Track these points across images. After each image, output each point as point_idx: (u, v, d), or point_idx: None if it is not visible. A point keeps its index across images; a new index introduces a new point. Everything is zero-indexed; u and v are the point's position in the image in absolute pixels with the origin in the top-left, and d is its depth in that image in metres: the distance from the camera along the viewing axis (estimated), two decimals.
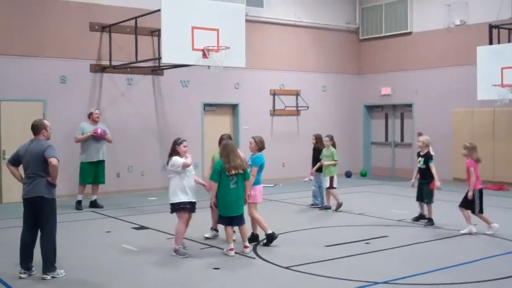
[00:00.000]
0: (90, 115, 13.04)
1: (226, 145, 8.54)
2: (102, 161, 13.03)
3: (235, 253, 8.41)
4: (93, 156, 12.79)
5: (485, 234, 9.77)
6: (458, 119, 17.03)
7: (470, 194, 9.82)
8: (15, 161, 7.55)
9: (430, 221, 10.66)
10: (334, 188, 12.34)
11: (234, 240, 8.66)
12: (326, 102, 19.24)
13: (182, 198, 8.36)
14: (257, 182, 9.04)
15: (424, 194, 10.75)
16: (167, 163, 8.50)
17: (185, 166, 8.31)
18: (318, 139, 12.97)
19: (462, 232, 9.85)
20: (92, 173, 12.85)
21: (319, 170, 12.67)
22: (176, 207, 8.43)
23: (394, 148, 19.48)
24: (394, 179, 18.58)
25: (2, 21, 13.51)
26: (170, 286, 7.05)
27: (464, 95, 16.72)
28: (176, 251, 8.43)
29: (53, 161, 7.20)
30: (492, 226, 9.86)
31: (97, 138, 12.76)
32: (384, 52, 19.34)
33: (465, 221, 9.96)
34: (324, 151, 12.49)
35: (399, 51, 18.89)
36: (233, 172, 8.28)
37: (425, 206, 10.85)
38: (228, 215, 8.42)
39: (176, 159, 8.39)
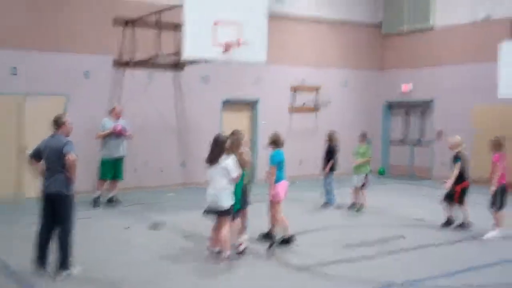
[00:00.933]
0: (112, 111, 13.15)
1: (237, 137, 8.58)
2: (122, 158, 13.13)
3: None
4: (113, 152, 12.89)
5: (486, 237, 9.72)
6: (479, 117, 16.84)
7: (492, 189, 9.76)
8: (36, 155, 7.62)
9: (462, 225, 10.37)
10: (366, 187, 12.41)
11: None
12: (346, 99, 19.17)
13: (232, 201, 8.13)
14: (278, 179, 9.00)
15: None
16: (216, 161, 8.03)
17: (235, 181, 8.10)
18: (330, 136, 12.96)
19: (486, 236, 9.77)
20: (112, 169, 12.95)
21: (331, 169, 12.72)
22: (232, 211, 8.11)
23: (413, 147, 19.36)
24: (413, 178, 18.48)
25: (27, 16, 13.61)
26: (186, 284, 7.10)
27: (486, 92, 16.50)
28: (228, 256, 8.10)
29: (71, 157, 7.26)
30: (497, 230, 9.76)
31: (117, 134, 12.88)
32: (406, 48, 19.19)
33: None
34: (358, 149, 12.49)
35: (421, 46, 18.72)
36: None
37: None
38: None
39: (236, 166, 8.04)
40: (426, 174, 18.58)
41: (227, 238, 8.04)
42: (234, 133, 8.66)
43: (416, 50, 18.87)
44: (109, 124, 12.90)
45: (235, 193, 8.18)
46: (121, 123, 13.05)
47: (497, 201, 9.78)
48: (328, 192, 12.93)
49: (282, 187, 9.02)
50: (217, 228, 8.14)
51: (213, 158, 8.00)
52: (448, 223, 10.46)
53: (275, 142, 9.23)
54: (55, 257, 7.42)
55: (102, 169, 12.90)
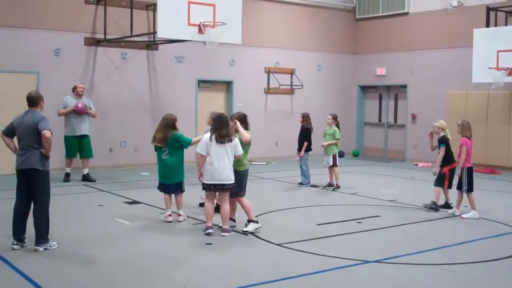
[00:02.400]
0: (74, 89, 13.01)
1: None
2: (86, 136, 13.04)
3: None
4: (75, 130, 12.84)
5: (451, 213, 9.92)
6: (453, 101, 17.00)
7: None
8: (9, 132, 7.51)
9: (434, 205, 10.32)
10: (337, 166, 12.45)
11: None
12: (321, 81, 19.21)
13: None
14: None
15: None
16: (230, 140, 8.17)
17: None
18: (305, 117, 12.99)
19: (464, 216, 9.86)
20: (76, 147, 12.90)
21: (306, 150, 12.79)
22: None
23: (387, 129, 19.50)
24: (386, 159, 18.65)
25: None
26: (161, 260, 7.07)
27: (459, 78, 16.70)
28: (228, 229, 8.37)
29: (46, 133, 7.18)
30: (454, 210, 9.95)
31: (78, 112, 12.75)
32: (380, 32, 19.27)
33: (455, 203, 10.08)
34: (327, 130, 12.58)
35: (395, 32, 18.82)
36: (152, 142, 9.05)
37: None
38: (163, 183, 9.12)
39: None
40: (399, 156, 18.76)
41: (228, 213, 8.34)
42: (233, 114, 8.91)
43: (390, 35, 18.96)
44: (70, 102, 12.84)
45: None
46: (84, 101, 12.96)
47: (465, 183, 9.87)
48: (302, 172, 12.99)
49: None
50: (223, 202, 8.37)
51: (226, 136, 8.18)
52: (446, 206, 10.33)
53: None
54: (33, 232, 7.37)
55: (66, 147, 12.89)
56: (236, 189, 8.42)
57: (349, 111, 19.80)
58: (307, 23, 18.80)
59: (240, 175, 8.45)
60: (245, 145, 8.49)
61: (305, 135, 12.89)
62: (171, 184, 9.11)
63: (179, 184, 9.15)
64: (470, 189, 9.90)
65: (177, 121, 9.18)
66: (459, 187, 9.96)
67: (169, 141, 8.90)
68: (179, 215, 9.11)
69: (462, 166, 9.87)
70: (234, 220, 8.73)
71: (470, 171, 9.90)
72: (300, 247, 7.68)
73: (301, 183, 12.98)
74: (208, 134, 8.29)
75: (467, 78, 15.56)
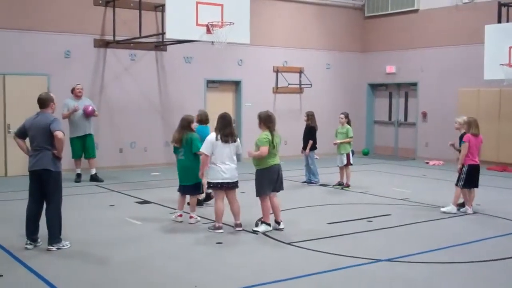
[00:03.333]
0: (73, 90, 13.07)
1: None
2: (90, 135, 13.13)
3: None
4: (79, 131, 12.94)
5: (463, 211, 9.85)
6: (464, 99, 16.87)
7: (458, 167, 9.90)
8: (21, 134, 7.57)
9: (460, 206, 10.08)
10: (351, 164, 12.45)
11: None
12: (330, 80, 19.18)
13: None
14: None
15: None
16: (234, 140, 8.39)
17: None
18: (309, 116, 13.02)
19: (442, 209, 9.92)
20: (81, 147, 12.97)
21: (312, 148, 12.80)
22: None
23: (397, 128, 19.44)
24: (397, 158, 18.59)
25: None
26: (172, 259, 7.10)
27: (471, 75, 16.59)
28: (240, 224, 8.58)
29: (58, 134, 7.25)
30: (466, 208, 9.87)
31: (88, 115, 12.85)
32: (389, 30, 19.21)
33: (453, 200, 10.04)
34: (339, 129, 12.57)
35: (405, 29, 18.75)
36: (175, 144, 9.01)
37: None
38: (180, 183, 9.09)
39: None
40: (410, 154, 18.69)
41: (239, 208, 8.53)
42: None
43: (399, 32, 18.88)
44: (71, 104, 12.92)
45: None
46: (86, 102, 13.07)
47: (461, 179, 9.84)
48: (311, 171, 12.97)
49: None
50: (231, 201, 8.51)
51: (230, 135, 8.34)
52: (463, 204, 10.12)
53: (202, 120, 10.21)
54: (46, 232, 7.44)
55: (72, 148, 12.93)
56: (256, 188, 8.48)
57: (359, 110, 19.75)
58: (316, 21, 18.78)
59: (259, 174, 8.46)
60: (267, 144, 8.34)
61: (310, 133, 12.91)
62: (188, 185, 9.00)
63: (196, 185, 9.05)
64: (466, 185, 9.85)
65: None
66: (457, 183, 9.95)
67: (184, 142, 8.91)
68: (190, 217, 9.04)
69: (463, 163, 9.84)
70: (279, 223, 8.57)
71: (471, 168, 9.84)
72: (311, 246, 7.68)
73: (307, 182, 13.02)
74: (213, 134, 8.34)
75: (478, 75, 15.41)
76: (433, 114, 17.91)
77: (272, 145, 8.34)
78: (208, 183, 8.46)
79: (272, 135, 8.40)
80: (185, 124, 9.01)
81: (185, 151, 8.90)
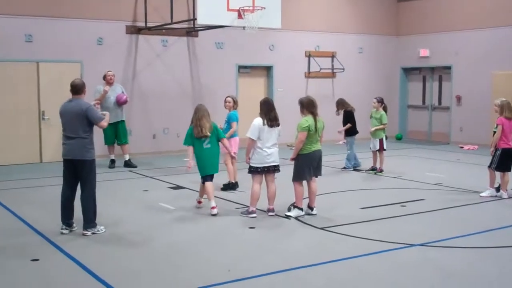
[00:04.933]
0: (104, 77, 13.16)
1: (197, 110, 8.80)
2: (122, 122, 13.26)
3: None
4: (112, 118, 12.89)
5: (498, 196, 9.70)
6: (499, 82, 16.52)
7: (491, 150, 9.79)
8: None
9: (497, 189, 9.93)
10: (384, 150, 12.38)
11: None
12: (362, 64, 18.99)
13: None
14: (234, 135, 10.31)
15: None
16: (278, 124, 8.47)
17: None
18: (338, 105, 13.02)
19: (481, 194, 9.81)
20: (113, 133, 13.10)
21: (348, 134, 12.72)
22: None
23: (431, 112, 19.18)
24: (430, 143, 18.36)
25: None
26: (206, 244, 7.15)
27: (506, 58, 16.25)
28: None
29: (104, 124, 7.52)
30: (502, 193, 9.72)
31: (122, 103, 13.02)
32: (423, 13, 18.90)
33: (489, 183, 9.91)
34: (373, 113, 12.46)
35: (438, 11, 18.41)
36: (201, 135, 8.58)
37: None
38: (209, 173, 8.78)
39: None
40: (444, 139, 18.45)
41: (274, 192, 8.57)
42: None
43: (433, 15, 18.56)
44: (103, 90, 12.98)
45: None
46: (117, 89, 13.18)
47: (494, 162, 9.76)
48: (348, 156, 12.87)
49: (235, 141, 10.34)
50: (268, 184, 8.54)
51: (275, 119, 8.42)
52: (498, 189, 9.93)
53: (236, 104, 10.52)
54: (81, 217, 7.55)
55: (104, 134, 13.02)
56: (293, 172, 8.50)
57: (392, 94, 19.53)
58: (348, 5, 18.57)
59: (299, 159, 8.45)
60: (306, 130, 8.32)
61: (348, 117, 12.82)
62: (214, 174, 8.86)
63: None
64: (499, 168, 9.75)
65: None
66: (490, 165, 9.86)
67: (211, 130, 8.74)
68: (199, 202, 9.15)
69: (497, 146, 9.71)
70: (312, 208, 8.61)
71: (504, 152, 9.69)
72: (343, 231, 7.66)
73: (344, 168, 12.94)
74: (260, 120, 8.34)
75: None
76: (468, 98, 17.62)
77: (314, 129, 8.33)
78: (251, 167, 8.48)
79: (315, 120, 8.36)
80: (208, 113, 8.79)
81: (211, 140, 8.71)
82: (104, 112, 7.85)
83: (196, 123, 8.64)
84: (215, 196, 8.98)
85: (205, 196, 9.00)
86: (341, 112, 13.02)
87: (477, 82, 17.26)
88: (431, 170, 12.70)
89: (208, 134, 8.59)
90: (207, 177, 8.75)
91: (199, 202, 9.10)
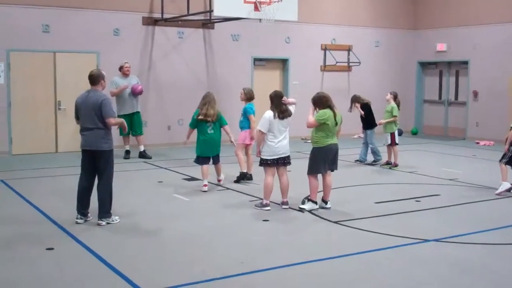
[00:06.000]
0: (121, 68, 13.20)
1: (205, 96, 9.81)
2: (137, 113, 13.31)
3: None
4: (127, 109, 13.09)
5: (497, 192, 9.61)
6: None
7: (506, 147, 9.68)
8: (77, 115, 7.69)
9: None
10: (397, 144, 12.30)
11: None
12: (379, 58, 18.88)
13: None
14: (244, 127, 10.46)
15: None
16: (289, 114, 8.48)
17: None
18: (351, 100, 13.04)
19: (496, 192, 9.69)
20: (128, 124, 13.09)
21: (368, 127, 12.70)
22: None
23: (447, 107, 19.04)
24: (446, 138, 18.24)
25: None
26: (219, 236, 7.16)
27: None
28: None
29: (111, 121, 7.46)
30: (504, 183, 9.63)
31: (137, 94, 13.03)
32: (440, 7, 18.73)
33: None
34: (386, 107, 12.38)
35: (456, 6, 18.23)
36: (201, 117, 9.56)
37: None
38: (206, 155, 9.77)
39: None
40: (460, 134, 18.32)
41: (287, 185, 8.60)
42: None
43: (451, 9, 18.39)
44: (120, 81, 13.06)
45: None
46: (133, 81, 13.18)
47: (506, 157, 9.68)
48: (374, 150, 12.79)
49: (246, 133, 10.46)
50: (281, 176, 8.57)
51: (286, 111, 8.46)
52: None
53: (250, 98, 10.55)
54: (96, 207, 7.60)
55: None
56: (308, 165, 8.50)
57: (408, 88, 19.41)
58: None
59: (315, 152, 8.45)
60: (324, 122, 8.32)
61: (365, 111, 12.79)
62: (217, 155, 9.90)
63: (218, 154, 9.94)
64: (510, 163, 9.67)
65: None
66: (501, 159, 9.78)
67: (216, 117, 9.65)
68: (219, 180, 10.17)
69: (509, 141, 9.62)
70: (326, 202, 8.61)
71: None
72: (357, 225, 7.64)
73: (357, 160, 12.98)
74: (271, 113, 8.35)
75: None
76: (484, 93, 17.47)
77: (334, 122, 8.33)
78: (261, 159, 8.49)
79: (334, 112, 8.35)
80: (214, 101, 9.72)
81: (214, 126, 9.68)
82: (120, 119, 7.91)
83: (201, 107, 9.63)
84: (228, 188, 9.42)
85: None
86: (354, 108, 12.96)
87: (494, 77, 17.10)
88: (447, 166, 12.63)
89: (209, 119, 9.55)
90: (204, 159, 9.76)
91: (205, 185, 9.73)
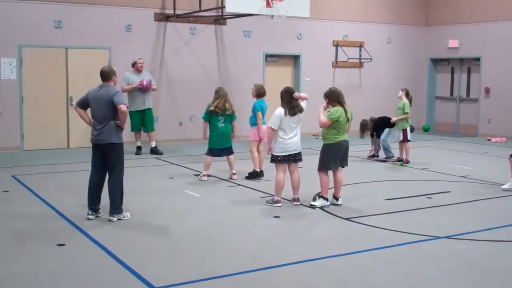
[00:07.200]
0: (134, 64, 13.23)
1: (218, 90, 10.23)
2: (149, 109, 13.33)
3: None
4: (139, 105, 13.14)
5: (504, 188, 9.59)
6: None
7: None
8: (82, 104, 7.68)
9: None
10: (409, 141, 12.26)
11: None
12: (391, 55, 18.81)
13: None
14: (254, 123, 10.45)
15: None
16: (300, 110, 8.44)
17: None
18: (360, 127, 12.99)
19: (502, 187, 9.67)
20: (139, 121, 13.22)
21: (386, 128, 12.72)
22: None
23: (459, 103, 18.94)
24: (458, 135, 18.16)
25: None
26: (231, 232, 7.18)
27: None
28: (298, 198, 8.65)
29: (122, 107, 7.37)
30: (510, 180, 9.58)
31: (144, 89, 13.02)
32: (452, 3, 18.61)
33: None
34: (398, 104, 12.34)
35: (468, 2, 18.11)
36: (212, 109, 9.94)
37: None
38: (216, 147, 10.16)
39: None
40: (471, 131, 18.23)
41: (298, 182, 8.60)
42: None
43: (463, 5, 18.28)
44: (132, 78, 13.08)
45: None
46: (145, 77, 13.21)
47: None
48: (384, 147, 12.75)
49: (261, 130, 10.37)
50: (292, 173, 8.57)
51: (297, 107, 8.44)
52: None
53: (259, 94, 10.52)
54: (107, 203, 7.63)
55: (131, 121, 13.11)
56: (319, 162, 8.50)
57: (420, 85, 19.33)
58: None
59: (326, 149, 8.44)
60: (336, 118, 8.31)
61: (376, 127, 12.84)
62: (228, 147, 10.23)
63: (231, 147, 10.29)
64: None
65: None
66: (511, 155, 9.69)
67: (225, 111, 10.04)
68: (234, 174, 10.37)
69: None
70: (337, 198, 8.61)
71: None
72: (368, 222, 7.64)
73: (369, 156, 12.99)
74: (282, 110, 8.34)
75: None
76: (496, 90, 17.36)
77: (346, 119, 8.33)
78: (273, 156, 8.50)
79: (345, 109, 8.34)
80: (227, 96, 10.09)
81: (225, 119, 10.08)
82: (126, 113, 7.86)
83: (214, 100, 10.00)
84: (239, 184, 9.44)
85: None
86: (366, 135, 12.99)
87: (507, 74, 16.99)
88: (458, 162, 12.57)
89: (228, 112, 10.01)
90: (213, 150, 10.17)
91: (204, 175, 10.22)
